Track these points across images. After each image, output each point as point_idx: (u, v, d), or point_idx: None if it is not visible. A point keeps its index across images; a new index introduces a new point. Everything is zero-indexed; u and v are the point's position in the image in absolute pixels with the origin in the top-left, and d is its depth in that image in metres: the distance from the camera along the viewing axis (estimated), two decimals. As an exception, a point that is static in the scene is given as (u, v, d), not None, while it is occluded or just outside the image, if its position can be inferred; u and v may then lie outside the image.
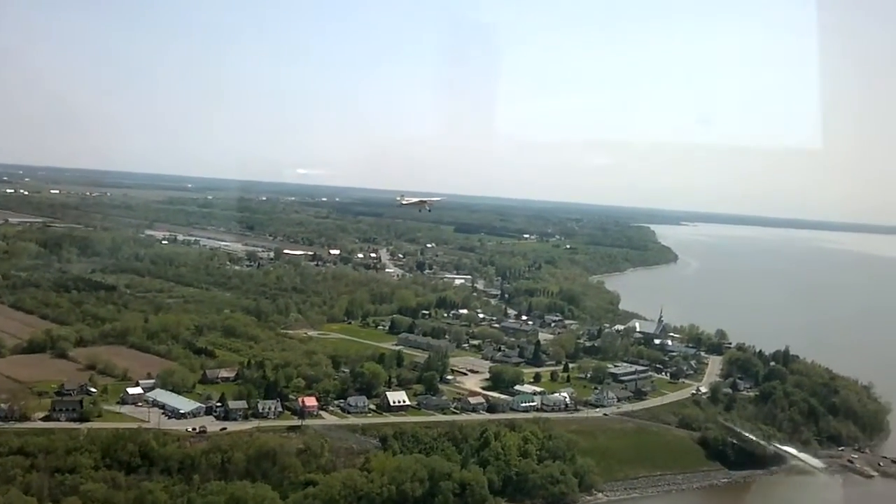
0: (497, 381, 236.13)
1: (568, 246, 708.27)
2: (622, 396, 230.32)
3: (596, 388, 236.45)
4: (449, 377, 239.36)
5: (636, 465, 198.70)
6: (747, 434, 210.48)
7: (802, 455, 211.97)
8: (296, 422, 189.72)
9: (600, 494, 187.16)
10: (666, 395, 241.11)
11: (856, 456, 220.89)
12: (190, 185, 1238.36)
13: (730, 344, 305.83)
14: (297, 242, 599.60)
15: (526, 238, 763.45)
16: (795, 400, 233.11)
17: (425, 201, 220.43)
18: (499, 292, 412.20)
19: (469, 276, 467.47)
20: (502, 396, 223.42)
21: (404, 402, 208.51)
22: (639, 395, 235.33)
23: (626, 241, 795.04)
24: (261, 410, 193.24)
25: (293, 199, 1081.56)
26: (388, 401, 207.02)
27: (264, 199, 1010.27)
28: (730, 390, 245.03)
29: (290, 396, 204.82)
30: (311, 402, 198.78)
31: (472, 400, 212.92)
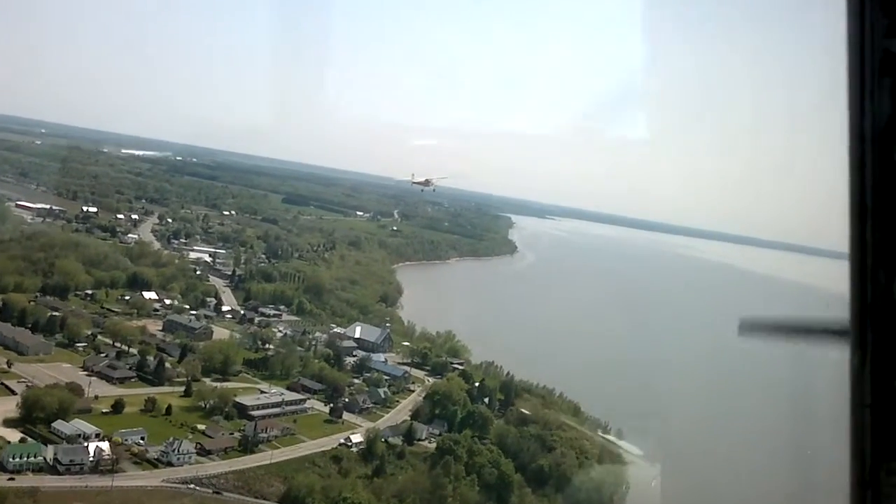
0: (32, 412, 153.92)
1: (394, 228, 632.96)
2: (216, 448, 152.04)
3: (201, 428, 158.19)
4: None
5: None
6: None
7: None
8: None
9: None
10: (299, 445, 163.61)
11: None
12: (43, 131, 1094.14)
13: (460, 363, 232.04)
14: (62, 196, 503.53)
15: (358, 215, 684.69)
16: (481, 463, 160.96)
17: (430, 181, 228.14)
18: (231, 273, 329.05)
19: (224, 251, 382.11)
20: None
21: None
22: (249, 444, 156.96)
23: (469, 228, 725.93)
24: None
25: (141, 153, 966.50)
26: None
27: (105, 150, 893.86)
28: (400, 440, 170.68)
29: None
30: None
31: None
